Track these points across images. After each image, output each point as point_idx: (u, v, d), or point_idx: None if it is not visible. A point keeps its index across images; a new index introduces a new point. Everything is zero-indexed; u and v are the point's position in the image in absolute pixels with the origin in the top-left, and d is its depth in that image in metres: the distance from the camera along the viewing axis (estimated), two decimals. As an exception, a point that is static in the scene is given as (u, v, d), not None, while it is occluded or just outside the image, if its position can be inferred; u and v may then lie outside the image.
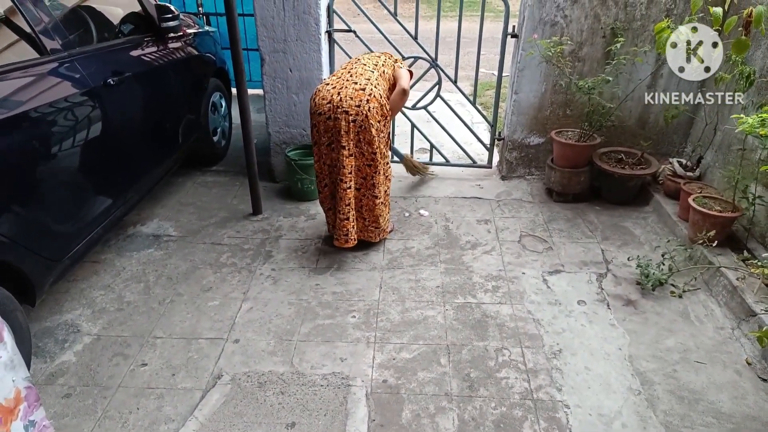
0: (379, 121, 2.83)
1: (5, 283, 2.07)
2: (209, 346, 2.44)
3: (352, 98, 2.75)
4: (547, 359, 2.37)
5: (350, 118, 2.76)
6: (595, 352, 2.41)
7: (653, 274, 2.80)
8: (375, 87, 2.82)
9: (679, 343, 2.47)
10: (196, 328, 2.55)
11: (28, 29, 2.36)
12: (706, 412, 2.11)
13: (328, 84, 2.86)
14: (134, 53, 3.11)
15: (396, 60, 3.22)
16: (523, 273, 2.96)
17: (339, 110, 2.75)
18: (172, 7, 3.40)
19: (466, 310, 2.67)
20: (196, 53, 3.85)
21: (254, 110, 4.12)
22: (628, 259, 3.04)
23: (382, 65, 3.04)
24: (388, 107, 2.90)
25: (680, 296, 2.73)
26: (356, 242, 3.04)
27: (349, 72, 2.91)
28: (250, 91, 3.50)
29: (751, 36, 2.77)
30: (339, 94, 2.77)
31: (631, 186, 3.62)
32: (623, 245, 3.22)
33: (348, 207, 2.93)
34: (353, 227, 2.99)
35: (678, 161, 3.55)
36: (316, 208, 3.55)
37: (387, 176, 3.03)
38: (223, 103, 4.37)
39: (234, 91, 3.35)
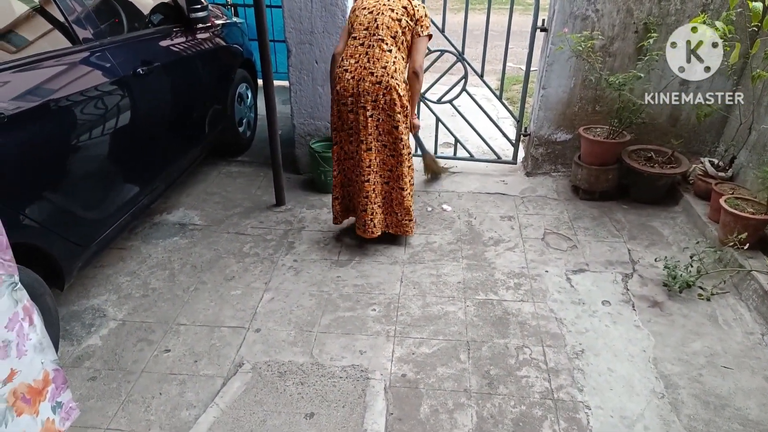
0: (398, 112, 2.79)
1: (35, 267, 2.12)
2: (231, 334, 2.47)
3: (369, 93, 2.74)
4: (568, 359, 2.34)
5: (368, 113, 2.77)
6: (618, 353, 2.37)
7: (681, 275, 2.74)
8: (392, 77, 2.74)
9: (705, 347, 2.41)
10: (218, 316, 2.58)
11: (61, 18, 2.40)
12: (732, 419, 2.06)
13: (347, 71, 2.79)
14: (163, 43, 3.15)
15: (418, 20, 2.84)
16: (547, 271, 2.93)
17: (358, 105, 2.77)
18: (201, -2, 3.43)
19: (487, 306, 2.65)
20: (224, 44, 3.87)
21: (279, 101, 4.15)
22: (656, 259, 2.97)
23: (402, 33, 2.80)
24: (407, 97, 2.83)
25: (708, 299, 2.67)
26: (379, 234, 3.04)
27: (366, 54, 2.78)
28: (276, 83, 3.52)
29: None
30: (358, 86, 2.75)
31: (660, 185, 3.54)
32: (651, 245, 3.16)
33: (366, 200, 2.93)
34: (371, 219, 2.98)
35: (710, 161, 3.45)
36: (338, 201, 3.56)
37: (410, 166, 3.00)
38: (249, 94, 4.40)
39: (260, 82, 3.36)
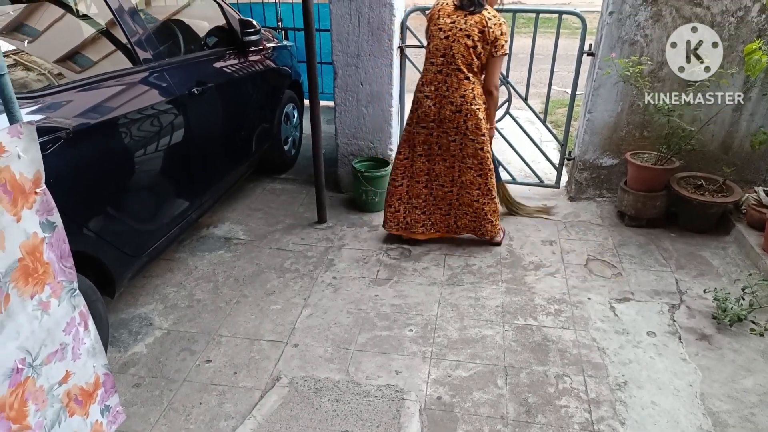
0: (481, 135, 2.98)
1: (89, 275, 2.22)
2: (270, 348, 2.51)
3: (450, 120, 2.97)
4: (610, 390, 2.27)
5: (450, 138, 3.04)
6: (663, 386, 2.29)
7: (732, 308, 2.63)
8: (471, 103, 2.90)
9: (758, 385, 2.30)
10: (258, 329, 2.64)
11: (124, 40, 2.55)
12: (787, 463, 1.95)
13: (428, 98, 2.96)
14: (217, 65, 3.29)
15: (493, 42, 2.78)
16: (589, 298, 2.86)
17: (440, 130, 3.02)
18: (254, 22, 3.57)
19: (526, 332, 2.61)
20: (274, 66, 4.01)
21: (324, 121, 4.24)
22: (705, 291, 2.87)
23: (477, 59, 2.82)
24: (486, 122, 2.98)
25: (761, 334, 2.55)
26: (463, 234, 3.35)
27: (445, 81, 2.88)
28: (321, 103, 3.61)
29: None
30: (440, 113, 2.96)
31: (710, 214, 3.42)
32: (699, 276, 3.05)
33: (449, 206, 3.25)
34: (454, 222, 3.29)
35: (764, 190, 3.32)
36: (379, 220, 3.58)
37: (492, 177, 3.18)
38: (296, 114, 4.52)
39: (306, 102, 3.46)
